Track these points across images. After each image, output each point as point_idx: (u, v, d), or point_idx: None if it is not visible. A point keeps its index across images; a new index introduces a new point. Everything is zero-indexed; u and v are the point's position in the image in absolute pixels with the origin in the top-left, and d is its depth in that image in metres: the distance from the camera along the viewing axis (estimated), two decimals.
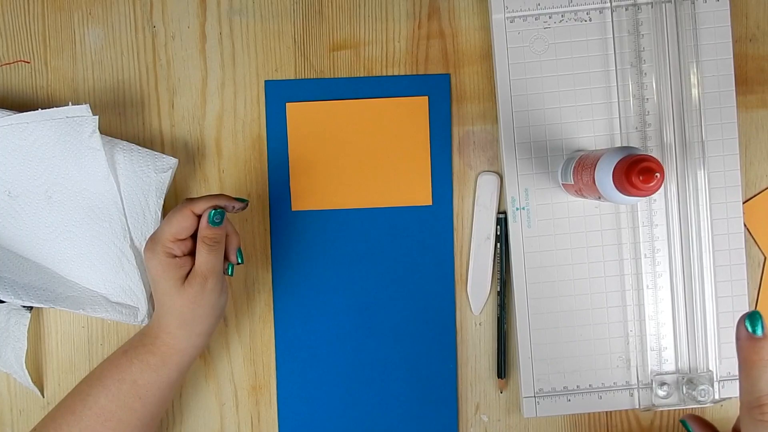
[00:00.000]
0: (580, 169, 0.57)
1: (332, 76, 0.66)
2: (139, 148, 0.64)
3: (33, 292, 0.62)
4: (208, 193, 0.62)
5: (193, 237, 0.57)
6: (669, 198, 0.63)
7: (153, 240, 0.56)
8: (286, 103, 0.66)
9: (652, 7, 0.63)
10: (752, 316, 0.45)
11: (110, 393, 0.57)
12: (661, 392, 0.64)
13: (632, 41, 0.64)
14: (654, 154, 0.63)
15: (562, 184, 0.63)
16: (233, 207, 0.57)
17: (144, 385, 0.57)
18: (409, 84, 0.66)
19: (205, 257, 0.56)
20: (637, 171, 0.50)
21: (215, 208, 0.56)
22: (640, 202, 0.63)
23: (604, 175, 0.53)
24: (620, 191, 0.52)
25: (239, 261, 0.59)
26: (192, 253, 0.58)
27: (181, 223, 0.56)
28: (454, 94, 0.66)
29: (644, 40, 0.64)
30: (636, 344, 0.64)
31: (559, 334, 0.65)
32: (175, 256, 0.56)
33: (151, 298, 0.65)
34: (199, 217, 0.56)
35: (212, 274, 0.56)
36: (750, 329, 0.45)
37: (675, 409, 0.67)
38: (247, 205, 0.58)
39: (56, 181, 0.63)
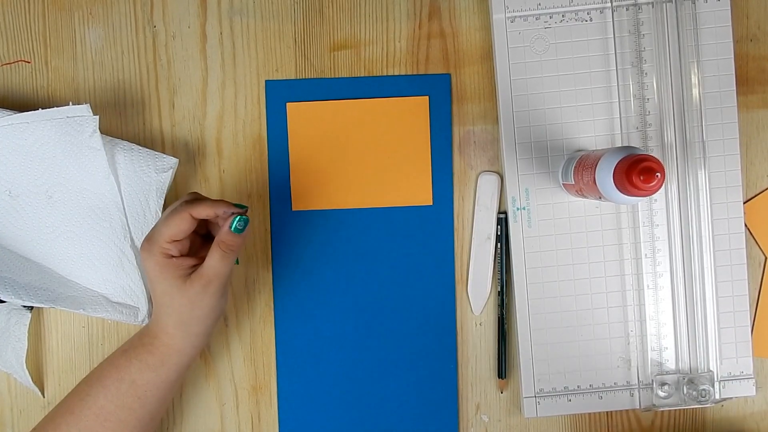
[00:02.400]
0: (581, 169, 0.57)
1: (333, 76, 0.66)
2: (140, 147, 0.64)
3: (33, 292, 0.62)
4: (208, 197, 0.61)
5: (189, 237, 0.57)
6: (670, 198, 0.63)
7: (149, 241, 0.56)
8: (287, 103, 0.66)
9: (652, 7, 0.63)
10: None
11: (109, 393, 0.57)
12: (661, 392, 0.64)
13: (633, 41, 0.64)
14: (655, 154, 0.63)
15: (563, 184, 0.63)
16: (231, 213, 0.56)
17: (143, 385, 0.57)
18: (410, 84, 0.66)
19: (216, 262, 0.55)
20: (637, 171, 0.50)
21: (240, 214, 0.55)
22: (641, 202, 0.63)
23: (605, 175, 0.53)
24: (621, 191, 0.52)
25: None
26: (189, 253, 0.58)
27: (180, 226, 0.55)
28: (455, 93, 0.66)
29: (645, 40, 0.64)
30: (637, 344, 0.64)
31: (559, 334, 0.65)
32: (173, 257, 0.56)
33: (151, 298, 0.65)
34: (197, 220, 0.56)
35: (217, 278, 0.56)
36: None
37: (676, 410, 0.66)
38: (246, 211, 0.57)
39: (57, 180, 0.63)
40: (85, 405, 0.57)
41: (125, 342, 0.60)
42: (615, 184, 0.52)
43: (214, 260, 0.55)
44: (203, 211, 0.55)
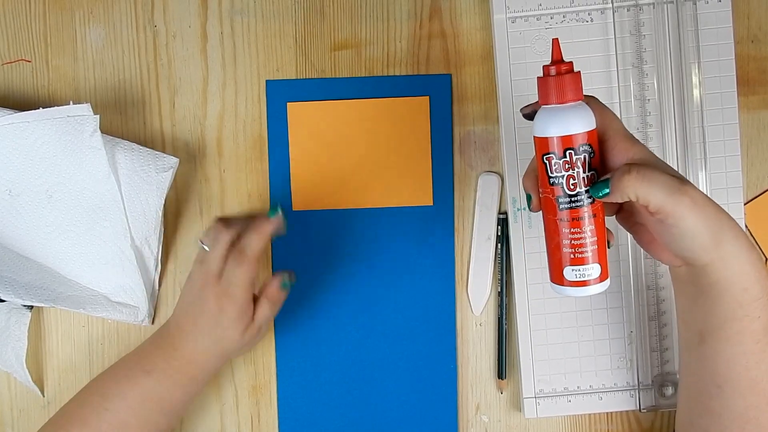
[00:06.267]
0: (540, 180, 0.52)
1: (333, 76, 0.66)
2: (140, 147, 0.64)
3: (33, 291, 0.62)
4: (236, 218, 0.64)
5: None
6: None
7: (247, 282, 0.58)
8: (288, 103, 0.66)
9: (653, 7, 0.63)
10: (595, 188, 0.48)
11: (132, 410, 0.57)
12: (662, 393, 0.64)
13: (634, 42, 0.64)
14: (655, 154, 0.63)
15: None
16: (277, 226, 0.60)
17: (170, 402, 0.58)
18: (411, 84, 0.66)
19: (266, 311, 0.60)
20: (545, 70, 0.49)
21: (290, 279, 0.61)
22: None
23: (538, 119, 0.49)
24: (548, 97, 0.49)
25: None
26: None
27: (260, 240, 0.59)
28: (455, 94, 0.66)
29: (646, 40, 0.64)
30: (637, 345, 0.64)
31: (559, 334, 0.65)
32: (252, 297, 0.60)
33: (151, 298, 0.65)
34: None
35: (267, 324, 0.61)
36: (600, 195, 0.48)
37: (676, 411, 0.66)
38: (281, 213, 0.61)
39: (57, 180, 0.63)
40: (103, 418, 0.57)
41: (142, 359, 0.60)
42: (541, 99, 0.49)
43: (265, 311, 0.60)
44: (259, 246, 0.59)
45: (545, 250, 0.51)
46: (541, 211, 0.51)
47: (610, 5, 0.64)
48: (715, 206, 0.47)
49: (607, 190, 0.47)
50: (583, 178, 0.48)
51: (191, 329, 0.58)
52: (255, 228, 0.59)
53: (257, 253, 0.58)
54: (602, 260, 0.50)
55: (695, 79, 0.63)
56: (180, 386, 0.58)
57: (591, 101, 0.50)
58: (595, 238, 0.49)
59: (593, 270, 0.49)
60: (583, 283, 0.50)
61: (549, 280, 0.51)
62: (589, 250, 0.49)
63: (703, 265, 0.48)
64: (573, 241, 0.49)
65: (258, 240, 0.58)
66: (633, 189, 0.46)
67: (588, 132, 0.48)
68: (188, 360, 0.58)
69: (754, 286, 0.48)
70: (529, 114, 0.51)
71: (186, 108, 0.67)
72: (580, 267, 0.49)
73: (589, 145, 0.48)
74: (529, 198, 0.52)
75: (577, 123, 0.48)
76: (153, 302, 0.66)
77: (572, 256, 0.49)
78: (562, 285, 0.50)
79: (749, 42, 0.66)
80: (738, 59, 0.65)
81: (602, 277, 0.50)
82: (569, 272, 0.50)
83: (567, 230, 0.49)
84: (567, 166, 0.48)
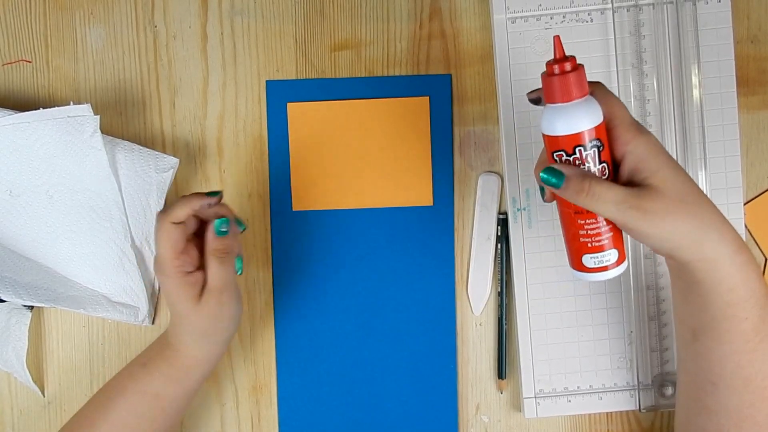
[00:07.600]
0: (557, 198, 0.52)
1: (333, 77, 0.66)
2: (140, 147, 0.64)
3: (34, 292, 0.62)
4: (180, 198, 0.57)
5: (196, 248, 0.55)
6: None
7: (159, 263, 0.54)
8: (288, 103, 0.66)
9: (653, 8, 0.63)
10: (548, 172, 0.49)
11: (130, 406, 0.57)
12: (662, 393, 0.64)
13: (633, 42, 0.64)
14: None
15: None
16: (208, 204, 0.54)
17: (166, 397, 0.57)
18: (410, 84, 0.66)
19: (216, 270, 0.54)
20: (549, 69, 0.48)
21: (219, 216, 0.54)
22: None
23: (545, 117, 0.49)
24: (553, 96, 0.48)
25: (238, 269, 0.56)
26: (202, 266, 0.55)
27: (169, 237, 0.53)
28: (455, 94, 0.66)
29: (645, 41, 0.64)
30: (637, 345, 0.64)
31: (559, 334, 0.65)
32: (188, 273, 0.54)
33: (152, 298, 0.65)
34: (184, 224, 0.54)
35: (226, 286, 0.54)
36: (552, 182, 0.49)
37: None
38: (221, 197, 0.55)
39: (57, 180, 0.63)
40: (107, 418, 0.57)
41: (141, 354, 0.60)
42: (546, 97, 0.48)
43: (214, 269, 0.54)
44: (180, 212, 0.53)
45: (562, 236, 0.52)
46: (552, 203, 0.52)
47: (610, 5, 0.64)
48: (695, 210, 0.47)
49: (559, 184, 0.48)
50: (594, 171, 0.48)
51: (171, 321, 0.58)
52: (181, 199, 0.54)
53: (169, 218, 0.53)
54: (618, 244, 0.50)
55: (695, 80, 0.63)
56: (175, 380, 0.57)
57: (596, 89, 0.49)
58: (610, 225, 0.50)
59: (611, 255, 0.50)
60: (602, 269, 0.50)
61: (569, 266, 0.52)
62: (605, 237, 0.50)
63: (686, 263, 0.49)
64: (589, 231, 0.50)
65: (180, 207, 0.53)
66: (584, 205, 0.48)
67: (596, 127, 0.48)
68: (174, 350, 0.57)
69: (740, 288, 0.48)
70: (535, 99, 0.51)
71: (186, 108, 0.67)
72: (598, 254, 0.50)
73: (597, 139, 0.48)
74: (542, 189, 0.52)
75: (584, 120, 0.47)
76: (153, 302, 0.66)
77: (589, 244, 0.50)
78: (582, 271, 0.51)
79: (749, 42, 0.66)
80: (738, 59, 0.65)
81: (620, 260, 0.50)
82: (588, 260, 0.50)
83: (582, 221, 0.50)
84: (578, 162, 0.48)
